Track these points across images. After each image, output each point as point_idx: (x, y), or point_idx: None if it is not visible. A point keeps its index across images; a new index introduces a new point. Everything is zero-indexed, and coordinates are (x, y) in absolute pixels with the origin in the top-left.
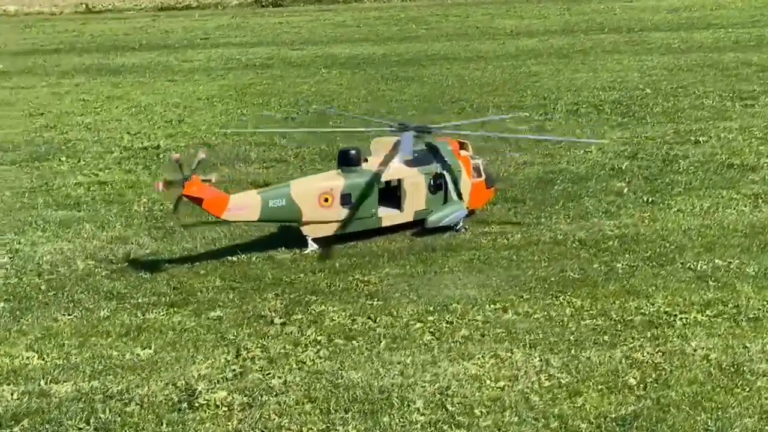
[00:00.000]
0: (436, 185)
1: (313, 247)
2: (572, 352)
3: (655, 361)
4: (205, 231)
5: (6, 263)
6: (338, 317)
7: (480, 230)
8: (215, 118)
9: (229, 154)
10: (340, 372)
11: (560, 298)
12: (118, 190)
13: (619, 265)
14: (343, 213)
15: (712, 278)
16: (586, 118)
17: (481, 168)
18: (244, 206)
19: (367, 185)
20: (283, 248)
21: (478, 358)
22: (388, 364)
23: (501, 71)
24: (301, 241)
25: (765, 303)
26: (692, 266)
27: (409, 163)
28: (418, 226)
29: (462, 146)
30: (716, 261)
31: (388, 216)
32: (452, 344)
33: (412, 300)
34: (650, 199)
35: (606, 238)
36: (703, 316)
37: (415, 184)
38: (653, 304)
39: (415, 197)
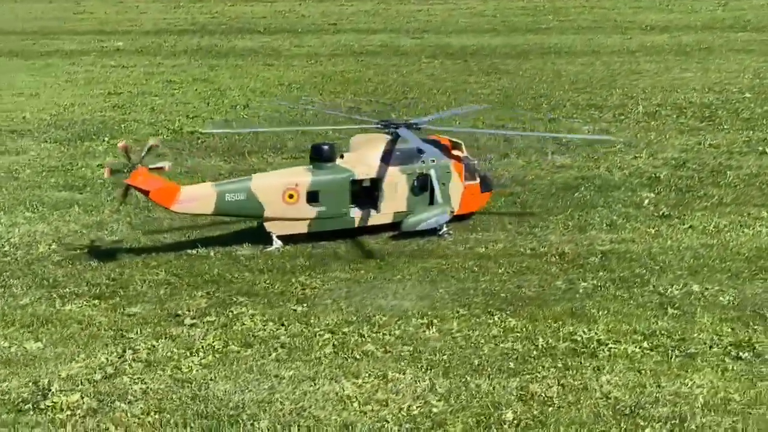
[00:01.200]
0: (420, 186)
1: (277, 244)
2: (466, 378)
3: (548, 395)
4: (186, 222)
5: None
6: (251, 322)
7: (465, 236)
8: (279, 106)
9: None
10: (207, 383)
11: (496, 316)
12: None
13: (583, 285)
14: (310, 211)
15: (675, 306)
16: (660, 121)
17: (476, 170)
18: (196, 198)
19: (337, 183)
20: (247, 244)
21: (363, 377)
22: (264, 378)
23: (606, 68)
24: (267, 238)
25: (714, 337)
26: (662, 290)
27: (389, 162)
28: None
29: (455, 146)
30: (693, 286)
31: (362, 216)
32: (346, 360)
33: (339, 308)
34: (667, 213)
35: (589, 254)
36: (637, 347)
37: (393, 183)
38: (591, 330)
39: (395, 198)
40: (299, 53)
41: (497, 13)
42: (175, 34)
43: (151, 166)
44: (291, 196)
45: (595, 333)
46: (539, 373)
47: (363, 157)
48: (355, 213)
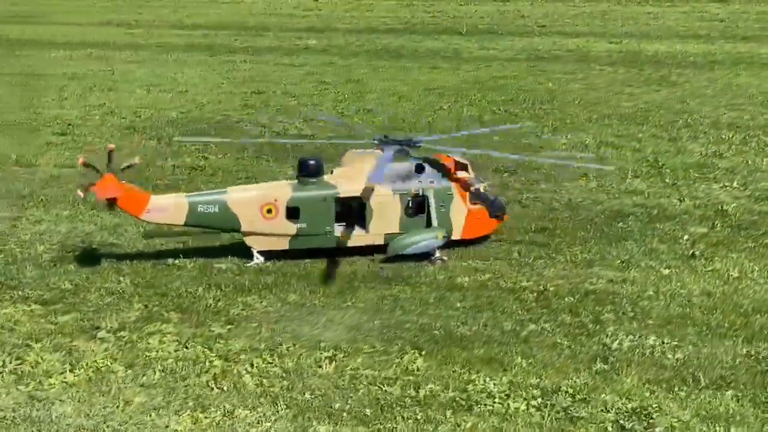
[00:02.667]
0: (416, 207)
1: (258, 259)
2: (313, 422)
3: None
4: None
5: None
6: (157, 341)
7: (458, 263)
8: (402, 111)
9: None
10: (53, 403)
11: (408, 355)
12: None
13: (531, 328)
14: (289, 227)
15: (608, 361)
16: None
17: (482, 193)
18: (166, 209)
19: (319, 200)
20: (230, 257)
21: (210, 411)
22: (112, 403)
23: (695, 81)
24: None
25: (619, 400)
26: (608, 342)
27: (381, 180)
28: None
29: (461, 167)
30: (648, 340)
31: (348, 236)
32: (207, 391)
33: (257, 334)
34: (699, 253)
35: (571, 293)
36: (524, 405)
37: (383, 203)
38: (492, 381)
39: (385, 218)
40: (479, 56)
41: (728, 18)
42: (378, 32)
43: (123, 165)
44: (269, 211)
45: (495, 384)
46: (391, 424)
47: (352, 174)
48: (340, 232)
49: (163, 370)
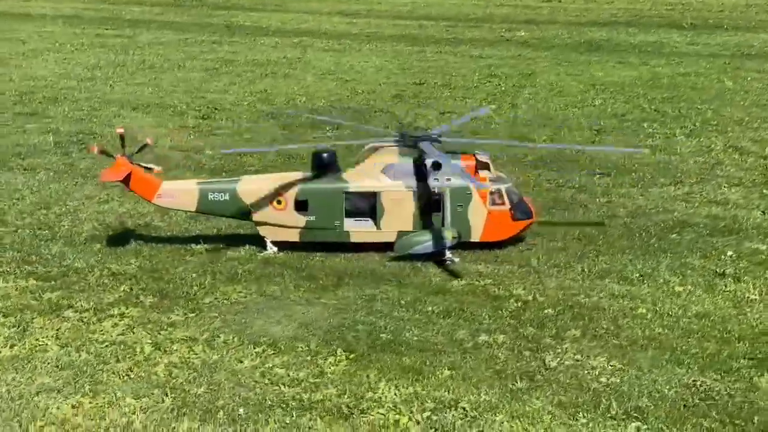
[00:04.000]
0: (432, 206)
1: (272, 249)
2: (170, 413)
3: None
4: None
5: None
6: (111, 325)
7: (463, 266)
8: (546, 107)
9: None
10: None
11: (333, 357)
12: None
13: (482, 338)
14: (298, 219)
15: (533, 379)
16: None
17: (506, 195)
18: (176, 195)
19: (328, 193)
20: (247, 246)
21: (99, 397)
22: (18, 379)
23: None
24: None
25: (503, 420)
26: (549, 360)
27: (394, 177)
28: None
29: (482, 167)
30: (594, 360)
31: (358, 231)
32: (114, 378)
33: (208, 324)
34: (729, 272)
35: (554, 305)
36: (408, 418)
37: (396, 200)
38: (396, 389)
39: (398, 216)
40: (680, 51)
41: None
42: (597, 25)
43: (142, 164)
44: (279, 202)
45: (397, 394)
46: (257, 426)
47: (365, 169)
48: (351, 227)
49: (90, 353)
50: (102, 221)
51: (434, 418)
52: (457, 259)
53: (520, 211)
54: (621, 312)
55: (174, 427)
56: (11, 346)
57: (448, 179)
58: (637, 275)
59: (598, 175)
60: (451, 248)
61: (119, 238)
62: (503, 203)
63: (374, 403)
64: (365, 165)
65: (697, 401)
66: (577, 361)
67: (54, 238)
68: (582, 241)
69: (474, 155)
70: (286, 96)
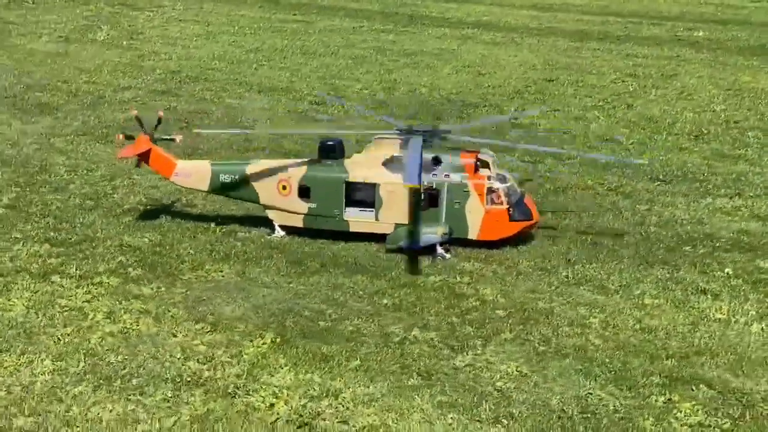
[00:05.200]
0: (429, 200)
1: (280, 233)
2: (67, 377)
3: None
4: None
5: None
6: (84, 292)
7: (455, 263)
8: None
9: None
10: None
11: (255, 341)
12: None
13: (414, 334)
14: (301, 205)
15: (430, 378)
16: None
17: (503, 195)
18: (191, 174)
19: (329, 182)
20: (260, 229)
21: (22, 357)
22: None
23: None
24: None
25: (369, 414)
26: (456, 361)
27: (392, 169)
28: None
29: (483, 165)
30: (503, 366)
31: (357, 221)
32: (48, 340)
33: (170, 299)
34: (710, 289)
35: (508, 307)
36: (263, 403)
37: (394, 193)
38: (290, 374)
39: (395, 208)
40: None
41: None
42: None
43: (164, 137)
44: (284, 188)
45: (291, 380)
46: (139, 398)
47: (366, 161)
48: (350, 216)
49: (45, 316)
50: (150, 196)
51: (308, 405)
52: (448, 256)
53: (518, 211)
54: (570, 320)
55: (67, 391)
56: None
57: (447, 175)
58: (617, 285)
59: (658, 183)
60: (442, 244)
61: (152, 212)
62: (501, 203)
63: (264, 386)
64: (367, 156)
65: (575, 414)
66: (489, 363)
67: (95, 208)
68: (583, 247)
69: (475, 153)
70: (410, 86)
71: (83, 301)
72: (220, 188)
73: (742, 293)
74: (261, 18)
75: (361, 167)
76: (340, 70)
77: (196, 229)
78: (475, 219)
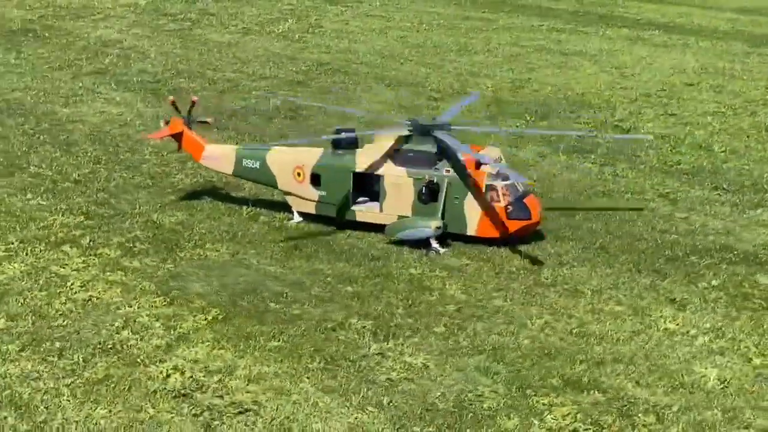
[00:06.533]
0: (429, 194)
1: (298, 219)
2: (4, 346)
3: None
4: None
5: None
6: (82, 262)
7: (447, 258)
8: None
9: None
10: None
11: (198, 316)
12: None
13: (349, 321)
14: (313, 193)
15: (340, 366)
16: None
17: (501, 192)
18: (218, 157)
19: (338, 171)
20: (282, 213)
21: None
22: None
23: None
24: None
25: (272, 396)
26: (372, 350)
27: (397, 162)
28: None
29: (482, 163)
30: (411, 358)
31: (363, 212)
32: (14, 306)
33: (147, 275)
34: (680, 300)
35: (464, 303)
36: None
37: (397, 185)
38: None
39: (398, 200)
40: None
41: None
42: None
43: (199, 119)
44: (299, 174)
45: (203, 355)
46: (63, 360)
47: (374, 152)
48: (357, 206)
49: (31, 280)
50: (210, 178)
51: (197, 377)
52: (442, 250)
53: (517, 210)
54: (514, 320)
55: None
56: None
57: (448, 171)
58: (591, 290)
59: (719, 191)
60: (437, 238)
61: (197, 194)
62: (499, 200)
63: (173, 358)
64: (375, 148)
65: (446, 408)
66: (399, 354)
67: (149, 187)
68: (581, 251)
69: (480, 148)
70: (540, 86)
71: (73, 270)
72: (242, 172)
73: (711, 306)
74: (448, 15)
75: (369, 159)
76: (482, 68)
77: (225, 212)
78: (473, 215)
